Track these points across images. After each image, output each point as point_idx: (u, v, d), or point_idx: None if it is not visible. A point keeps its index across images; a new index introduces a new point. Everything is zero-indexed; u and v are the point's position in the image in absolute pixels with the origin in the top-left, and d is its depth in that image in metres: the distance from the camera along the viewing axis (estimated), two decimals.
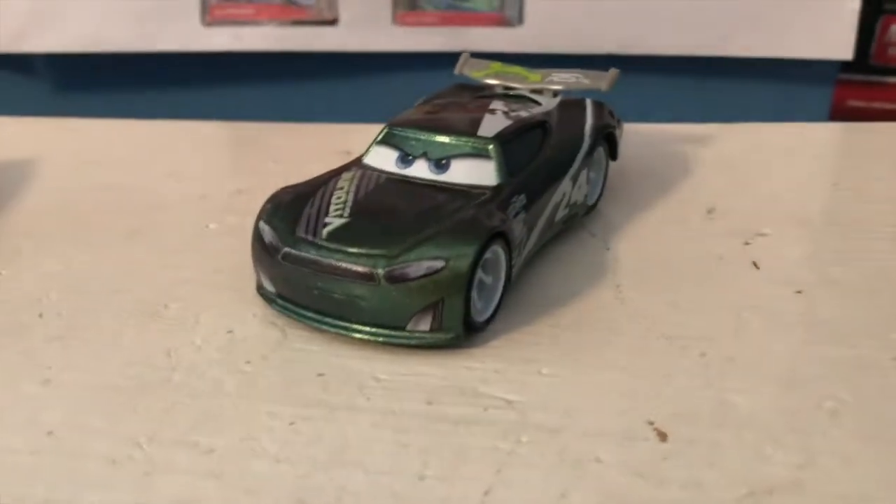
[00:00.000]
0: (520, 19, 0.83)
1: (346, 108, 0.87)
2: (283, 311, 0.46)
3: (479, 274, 0.44)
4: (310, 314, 0.45)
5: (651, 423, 0.39)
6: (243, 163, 0.70)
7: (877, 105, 0.85)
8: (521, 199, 0.48)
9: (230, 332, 0.46)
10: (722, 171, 0.63)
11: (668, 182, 0.61)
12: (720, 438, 0.38)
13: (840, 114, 0.85)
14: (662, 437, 0.38)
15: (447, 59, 0.83)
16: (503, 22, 0.83)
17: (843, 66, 0.83)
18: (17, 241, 0.56)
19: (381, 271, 0.42)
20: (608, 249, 0.53)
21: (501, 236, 0.45)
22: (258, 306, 0.48)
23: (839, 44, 0.80)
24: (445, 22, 0.84)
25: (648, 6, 0.80)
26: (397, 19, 0.83)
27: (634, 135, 0.66)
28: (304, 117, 0.82)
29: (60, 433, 0.39)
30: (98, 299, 0.49)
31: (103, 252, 0.54)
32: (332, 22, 0.84)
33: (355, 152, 0.66)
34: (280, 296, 0.46)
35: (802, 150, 0.68)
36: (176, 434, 0.39)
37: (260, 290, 0.48)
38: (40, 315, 0.48)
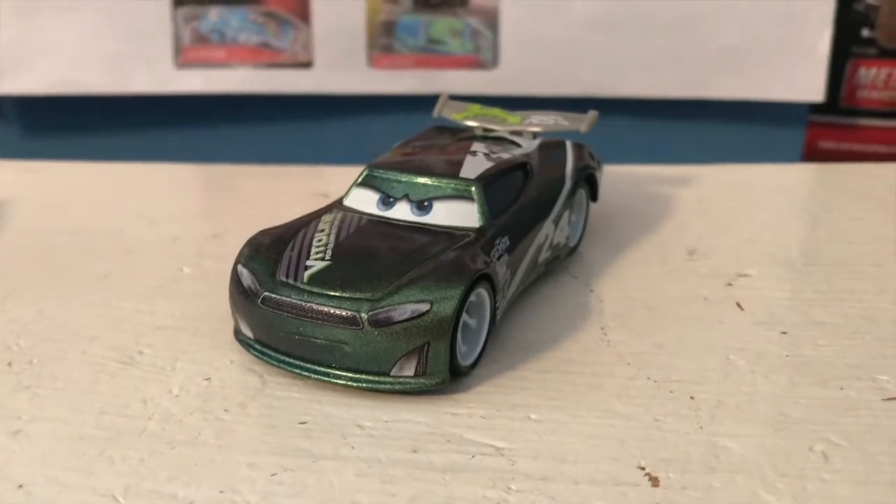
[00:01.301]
0: (494, 62, 0.83)
1: (321, 150, 0.86)
2: (262, 356, 0.45)
3: (464, 317, 0.43)
4: (290, 360, 0.44)
5: (642, 469, 0.38)
6: (217, 206, 0.69)
7: (846, 146, 0.86)
8: (504, 241, 0.47)
9: (207, 378, 0.45)
10: (701, 212, 0.63)
11: (647, 223, 0.61)
12: (713, 483, 0.37)
13: (812, 155, 0.86)
14: (654, 482, 0.37)
15: (422, 102, 0.83)
16: (478, 64, 0.83)
17: (815, 108, 0.84)
18: None
19: (364, 315, 0.41)
20: (591, 291, 0.52)
21: (486, 279, 0.44)
22: (236, 352, 0.47)
23: (810, 86, 0.81)
24: (420, 65, 0.84)
25: (623, 50, 0.80)
26: (372, 62, 0.83)
27: (611, 176, 0.66)
28: (278, 159, 0.81)
29: (32, 487, 0.37)
30: (70, 346, 0.48)
31: (74, 297, 0.53)
32: (307, 64, 0.83)
33: (332, 195, 0.66)
34: (259, 341, 0.45)
35: (779, 190, 0.69)
36: (153, 485, 0.37)
37: (237, 335, 0.47)
38: (9, 363, 0.46)
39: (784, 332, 0.48)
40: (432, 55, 0.83)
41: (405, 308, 0.41)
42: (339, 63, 0.83)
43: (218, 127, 0.87)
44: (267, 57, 0.84)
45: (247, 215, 0.64)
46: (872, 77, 0.83)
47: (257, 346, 0.45)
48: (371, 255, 0.45)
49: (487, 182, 0.48)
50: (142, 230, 0.62)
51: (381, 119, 0.86)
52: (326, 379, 0.43)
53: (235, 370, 0.45)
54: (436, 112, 0.62)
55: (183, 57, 0.83)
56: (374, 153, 0.88)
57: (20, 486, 0.37)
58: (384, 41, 0.83)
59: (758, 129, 0.85)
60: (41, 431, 0.41)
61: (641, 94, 0.82)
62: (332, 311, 0.42)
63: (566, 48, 0.81)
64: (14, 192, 0.69)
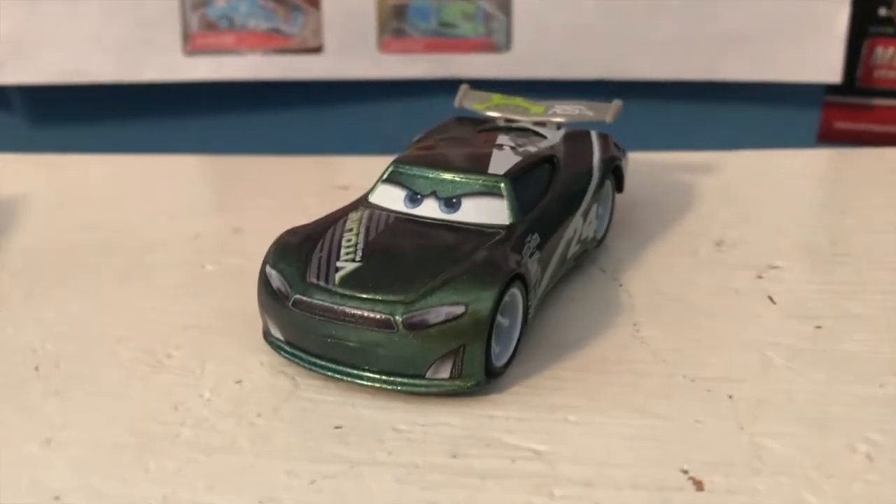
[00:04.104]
0: (507, 45, 0.82)
1: (331, 136, 0.86)
2: (293, 359, 0.44)
3: (497, 317, 0.42)
4: (322, 363, 0.43)
5: (685, 472, 0.38)
6: (235, 199, 0.68)
7: (862, 127, 0.85)
8: (534, 239, 0.46)
9: (238, 381, 0.44)
10: (725, 200, 0.63)
11: (671, 213, 0.61)
12: (757, 486, 0.37)
13: (827, 136, 0.85)
14: (699, 486, 0.37)
15: (434, 87, 0.82)
16: (490, 48, 0.82)
17: (830, 88, 0.83)
18: (3, 285, 0.54)
19: (399, 318, 0.41)
20: (621, 286, 0.52)
21: (519, 278, 0.43)
22: (265, 354, 0.46)
23: (827, 67, 0.80)
24: (431, 49, 0.82)
25: (636, 32, 0.79)
26: (383, 46, 0.82)
27: (630, 163, 0.66)
28: (288, 146, 0.80)
29: (68, 498, 0.37)
30: (96, 349, 0.47)
31: (96, 296, 0.52)
32: (317, 50, 0.82)
33: (353, 187, 0.65)
34: (289, 343, 0.44)
35: (801, 177, 0.68)
36: (192, 495, 0.37)
37: (267, 336, 0.46)
38: (36, 368, 0.46)
39: (819, 327, 0.47)
40: (444, 39, 0.82)
41: (440, 311, 0.41)
42: (349, 48, 0.82)
43: (227, 114, 0.86)
44: (277, 43, 0.82)
45: (266, 209, 0.64)
46: (889, 57, 0.82)
47: (288, 349, 0.44)
48: (401, 254, 0.44)
49: (516, 177, 0.48)
50: (161, 226, 0.62)
51: (392, 104, 0.85)
52: (360, 381, 0.42)
53: (266, 373, 0.45)
54: (457, 102, 0.61)
55: (191, 44, 0.82)
56: (385, 140, 0.88)
57: (56, 497, 0.37)
58: (395, 25, 0.82)
59: (773, 110, 0.84)
60: (74, 439, 0.40)
61: (654, 77, 0.81)
62: (365, 314, 0.41)
63: (579, 31, 0.79)
64: (26, 186, 0.69)
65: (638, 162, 0.67)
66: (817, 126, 0.85)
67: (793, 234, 0.57)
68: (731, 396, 0.42)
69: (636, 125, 0.78)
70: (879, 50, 0.82)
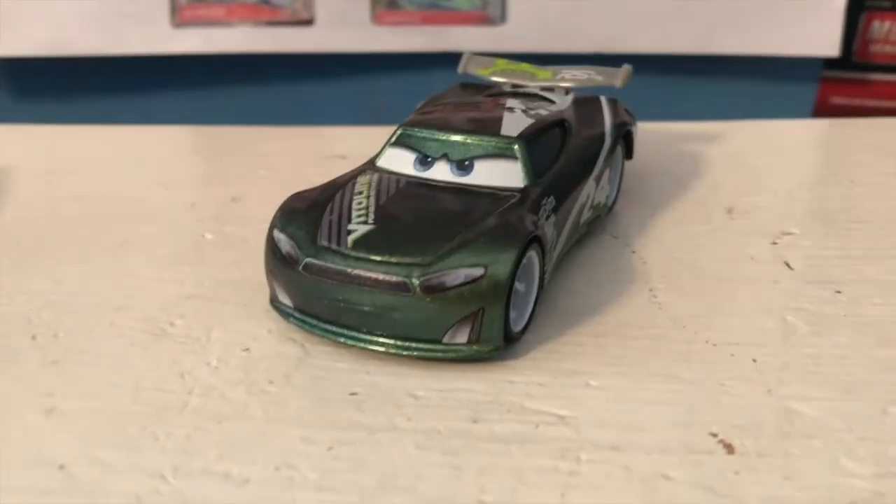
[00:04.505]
0: (503, 18, 0.80)
1: (324, 110, 0.84)
2: (303, 325, 0.43)
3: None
4: (334, 328, 0.42)
5: (715, 436, 0.36)
6: (230, 169, 0.66)
7: (858, 102, 0.85)
8: (550, 202, 0.45)
9: (246, 349, 0.43)
10: (733, 168, 0.62)
11: (680, 181, 0.60)
12: (790, 449, 0.36)
13: (823, 110, 0.85)
14: (729, 449, 0.36)
15: (428, 60, 0.81)
16: (486, 20, 0.81)
17: (826, 63, 0.82)
18: None
19: (415, 281, 0.39)
20: (634, 252, 0.51)
21: (536, 241, 0.42)
22: (272, 321, 0.44)
23: (825, 41, 0.79)
24: (426, 21, 0.81)
25: (632, 5, 0.78)
26: (376, 19, 0.81)
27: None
28: (278, 121, 0.78)
29: (74, 469, 0.35)
30: (96, 318, 0.45)
31: (93, 266, 0.51)
32: (309, 22, 0.80)
33: (350, 156, 0.64)
34: (298, 309, 0.43)
35: (805, 146, 0.67)
36: (204, 464, 0.35)
37: (274, 303, 0.44)
38: (33, 337, 0.44)
39: (838, 292, 0.46)
40: (439, 11, 0.81)
41: (458, 273, 0.39)
42: (341, 20, 0.80)
43: (216, 88, 0.84)
44: (267, 14, 0.80)
45: (263, 178, 0.62)
46: (886, 31, 0.82)
47: (297, 315, 0.43)
48: (415, 217, 0.43)
49: (530, 140, 0.46)
50: (156, 196, 0.60)
51: (385, 78, 0.83)
52: (373, 347, 0.41)
53: (274, 340, 0.43)
54: (460, 68, 0.59)
55: (179, 15, 0.80)
56: (378, 113, 0.86)
57: (61, 466, 0.35)
58: None
59: (769, 84, 0.83)
60: (77, 409, 0.39)
61: (652, 51, 0.80)
62: (380, 276, 0.40)
63: (575, 4, 0.78)
64: (14, 158, 0.66)
65: (641, 131, 0.66)
66: (813, 101, 0.84)
67: (804, 202, 0.57)
68: (755, 360, 0.41)
69: (633, 97, 0.78)
70: (876, 24, 0.81)
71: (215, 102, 0.83)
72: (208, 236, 0.54)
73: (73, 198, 0.60)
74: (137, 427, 0.38)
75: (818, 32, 0.78)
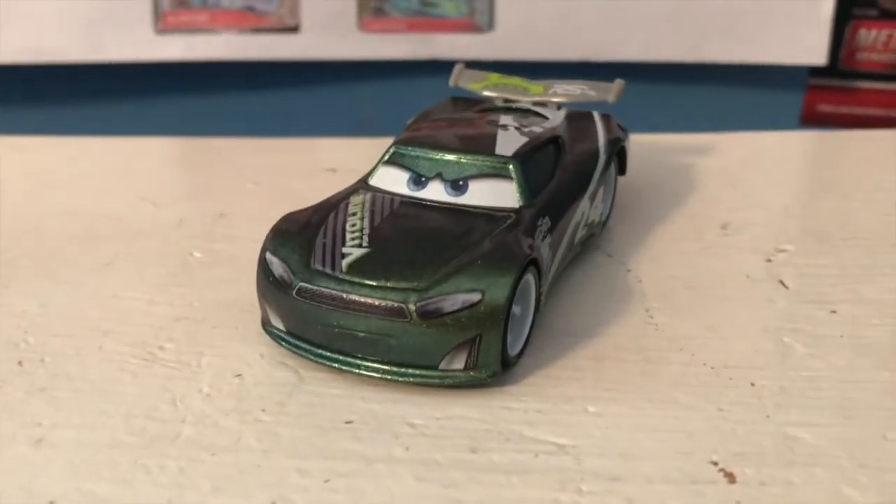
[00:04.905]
0: (490, 25, 0.80)
1: (310, 119, 0.83)
2: (296, 350, 0.42)
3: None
4: (328, 354, 0.41)
5: (715, 464, 0.36)
6: (217, 183, 0.65)
7: (845, 109, 0.85)
8: (545, 222, 0.44)
9: (238, 375, 0.42)
10: (726, 183, 0.61)
11: (673, 196, 0.59)
12: (791, 478, 0.35)
13: (810, 118, 0.85)
14: (730, 478, 0.35)
15: (415, 67, 0.80)
16: (473, 28, 0.80)
17: (813, 71, 0.82)
18: None
19: (412, 306, 0.39)
20: (629, 271, 0.50)
21: (533, 263, 0.42)
22: (265, 345, 0.44)
23: (813, 49, 0.79)
24: (413, 28, 0.80)
25: (621, 13, 0.78)
26: (363, 26, 0.80)
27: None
28: (264, 130, 0.77)
29: (64, 503, 0.34)
30: (83, 342, 0.44)
31: (80, 287, 0.50)
32: (294, 29, 0.80)
33: (340, 170, 0.63)
34: (291, 334, 0.42)
35: (798, 159, 0.67)
36: (198, 497, 0.35)
37: (266, 326, 0.44)
38: (20, 363, 0.43)
39: (834, 311, 0.46)
40: (426, 18, 0.80)
41: (456, 298, 0.39)
42: (327, 27, 0.79)
43: (200, 96, 0.83)
44: (252, 21, 0.80)
45: (251, 192, 0.61)
46: (872, 39, 0.82)
47: (290, 339, 0.42)
48: (410, 240, 0.42)
49: (525, 159, 0.46)
50: (142, 212, 0.59)
51: (372, 86, 0.83)
52: (368, 373, 0.40)
53: (267, 365, 0.43)
54: (452, 82, 0.58)
55: (163, 22, 0.79)
56: (365, 122, 0.85)
57: (52, 502, 0.35)
58: (375, 4, 0.80)
59: (756, 92, 0.83)
60: (66, 439, 0.38)
61: (640, 58, 0.80)
62: (376, 302, 0.39)
63: (564, 10, 0.78)
64: None
65: (631, 143, 0.66)
66: (800, 109, 0.85)
67: (798, 217, 0.56)
68: (753, 384, 0.41)
69: (621, 105, 0.77)
70: (863, 32, 0.82)
71: (200, 110, 0.82)
72: (196, 255, 0.53)
73: (58, 213, 0.59)
74: (129, 459, 0.37)
75: (805, 40, 0.79)
